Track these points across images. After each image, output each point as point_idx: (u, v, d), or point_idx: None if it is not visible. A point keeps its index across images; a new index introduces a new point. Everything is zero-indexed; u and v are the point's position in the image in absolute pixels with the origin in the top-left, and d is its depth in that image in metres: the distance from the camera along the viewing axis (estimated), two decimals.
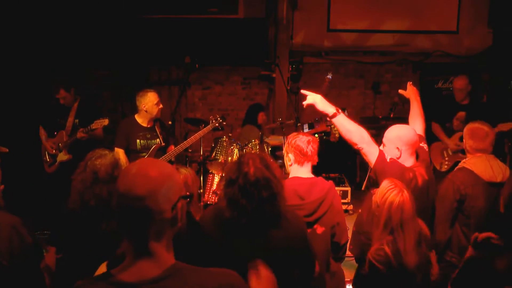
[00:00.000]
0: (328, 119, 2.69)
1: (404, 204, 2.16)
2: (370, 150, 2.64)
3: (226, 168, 1.94)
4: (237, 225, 1.85)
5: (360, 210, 2.96)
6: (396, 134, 2.68)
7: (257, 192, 1.81)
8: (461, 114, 4.79)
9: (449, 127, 4.81)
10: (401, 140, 2.64)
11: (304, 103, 2.70)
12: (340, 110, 2.66)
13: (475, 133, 2.91)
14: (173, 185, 1.28)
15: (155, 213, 1.22)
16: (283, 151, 2.74)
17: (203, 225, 2.01)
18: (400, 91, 3.25)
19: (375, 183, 2.78)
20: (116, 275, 1.24)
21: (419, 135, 2.91)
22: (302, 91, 2.74)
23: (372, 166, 2.66)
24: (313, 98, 2.67)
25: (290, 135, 2.72)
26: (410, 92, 3.18)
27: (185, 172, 2.51)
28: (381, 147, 2.74)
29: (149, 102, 4.04)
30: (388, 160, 2.62)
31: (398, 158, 2.64)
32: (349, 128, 2.64)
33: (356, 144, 2.65)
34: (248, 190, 1.82)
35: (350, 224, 5.58)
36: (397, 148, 2.64)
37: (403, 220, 2.16)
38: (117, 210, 1.26)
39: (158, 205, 1.23)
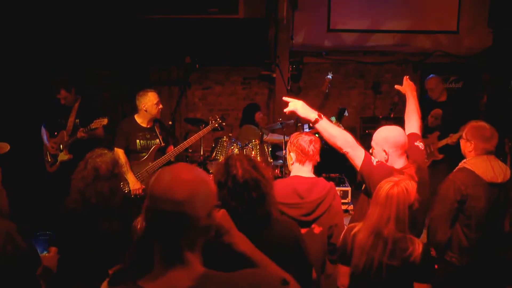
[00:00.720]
0: (311, 125, 2.64)
1: (378, 192, 2.18)
2: (355, 154, 2.57)
3: (214, 171, 1.93)
4: None
5: (352, 213, 2.95)
6: (382, 136, 2.64)
7: (246, 194, 1.80)
8: (436, 111, 4.82)
9: (424, 124, 4.85)
10: (388, 142, 2.60)
11: (286, 110, 2.63)
12: (322, 116, 2.59)
13: (480, 133, 2.86)
14: (210, 192, 1.25)
15: (191, 219, 1.18)
16: (287, 150, 2.74)
17: None
18: (396, 86, 3.16)
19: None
20: (143, 285, 1.17)
21: (415, 134, 2.88)
22: (284, 98, 2.67)
23: (358, 170, 2.60)
24: (294, 105, 2.59)
25: (293, 134, 2.73)
26: (406, 87, 3.11)
27: None
28: (370, 150, 2.70)
29: (149, 102, 4.05)
30: (374, 163, 2.55)
31: (386, 160, 2.59)
32: (332, 133, 2.56)
33: (341, 149, 2.58)
34: (237, 192, 1.81)
35: None
36: (384, 150, 2.59)
37: (371, 202, 2.20)
38: (151, 216, 1.20)
39: (195, 211, 1.19)
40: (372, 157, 2.59)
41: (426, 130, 4.81)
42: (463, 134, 2.97)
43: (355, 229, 2.25)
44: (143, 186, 4.04)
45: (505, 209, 2.84)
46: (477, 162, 2.83)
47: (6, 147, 2.37)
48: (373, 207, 2.20)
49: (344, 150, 2.57)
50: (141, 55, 6.36)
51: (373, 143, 2.69)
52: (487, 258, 2.83)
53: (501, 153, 4.72)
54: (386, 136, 2.62)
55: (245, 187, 1.81)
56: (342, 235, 2.33)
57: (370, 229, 2.17)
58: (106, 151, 2.54)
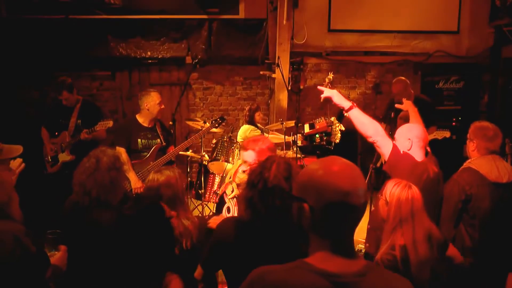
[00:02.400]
0: (343, 113, 2.78)
1: (413, 196, 2.18)
2: (384, 143, 2.74)
3: (251, 170, 1.94)
4: (253, 228, 1.85)
5: (373, 208, 3.00)
6: (406, 128, 2.84)
7: (271, 199, 1.80)
8: (404, 113, 4.83)
9: (392, 127, 4.84)
10: (412, 132, 2.77)
11: (322, 96, 2.79)
12: (355, 104, 2.74)
13: (482, 133, 2.87)
14: None
15: (364, 209, 1.25)
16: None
17: (223, 229, 2.00)
18: (397, 105, 3.62)
19: (377, 182, 2.81)
20: (315, 264, 1.21)
21: None
22: (319, 87, 2.86)
23: (386, 159, 2.75)
24: (330, 92, 2.78)
25: (255, 144, 2.68)
26: (407, 106, 3.51)
27: (168, 173, 2.55)
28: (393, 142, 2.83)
29: (151, 101, 4.09)
30: (401, 152, 2.72)
31: (409, 149, 2.74)
32: (364, 121, 2.72)
33: (370, 137, 2.74)
34: (264, 196, 1.81)
35: None
36: (409, 139, 2.75)
37: (414, 212, 2.16)
38: (340, 209, 1.20)
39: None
40: (399, 147, 2.75)
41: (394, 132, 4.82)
42: (467, 134, 2.97)
43: (397, 255, 2.13)
44: (144, 185, 4.05)
45: (510, 210, 2.82)
46: (482, 162, 2.83)
47: (19, 149, 2.36)
48: (414, 219, 2.15)
49: (373, 139, 2.74)
50: (141, 56, 6.36)
51: (396, 136, 2.84)
52: (490, 259, 2.82)
53: (502, 154, 4.71)
54: (410, 128, 2.84)
55: (272, 192, 1.80)
56: (380, 263, 2.17)
57: (425, 237, 2.14)
58: (109, 149, 2.58)
